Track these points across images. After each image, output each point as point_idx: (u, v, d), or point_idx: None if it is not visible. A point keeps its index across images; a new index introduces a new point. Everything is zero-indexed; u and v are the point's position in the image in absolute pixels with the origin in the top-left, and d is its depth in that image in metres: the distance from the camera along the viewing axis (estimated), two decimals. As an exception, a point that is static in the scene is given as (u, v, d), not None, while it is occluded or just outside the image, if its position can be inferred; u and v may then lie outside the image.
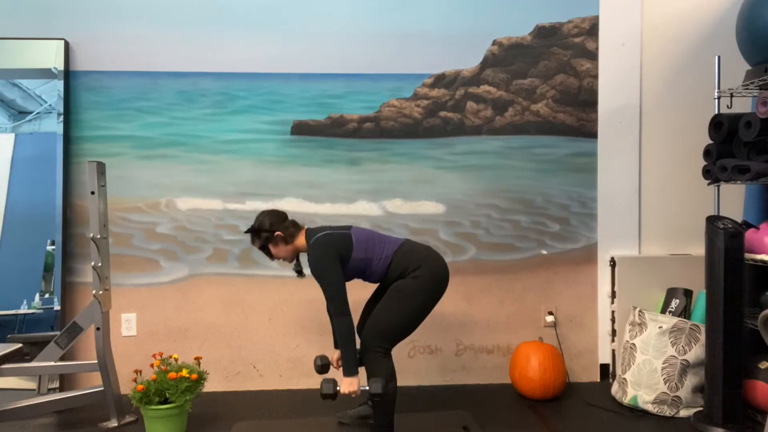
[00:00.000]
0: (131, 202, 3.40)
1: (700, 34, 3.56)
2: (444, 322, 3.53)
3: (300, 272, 2.80)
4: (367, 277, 2.66)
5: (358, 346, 2.57)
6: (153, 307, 3.42)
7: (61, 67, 3.31)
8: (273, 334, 3.47)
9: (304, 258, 2.71)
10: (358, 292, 2.86)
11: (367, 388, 2.45)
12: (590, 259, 3.56)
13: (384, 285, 2.74)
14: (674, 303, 3.16)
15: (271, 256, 2.71)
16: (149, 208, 3.42)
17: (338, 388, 2.46)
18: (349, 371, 2.47)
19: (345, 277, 2.58)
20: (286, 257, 2.70)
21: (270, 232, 2.63)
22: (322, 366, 2.74)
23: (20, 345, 2.95)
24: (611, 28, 3.53)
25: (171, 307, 3.42)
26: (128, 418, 2.94)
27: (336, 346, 2.86)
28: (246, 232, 2.70)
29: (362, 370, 2.55)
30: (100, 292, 2.88)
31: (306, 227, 2.70)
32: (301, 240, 2.66)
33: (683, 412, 2.97)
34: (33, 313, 3.26)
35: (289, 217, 2.72)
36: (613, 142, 3.55)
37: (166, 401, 2.69)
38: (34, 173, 3.33)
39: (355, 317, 2.92)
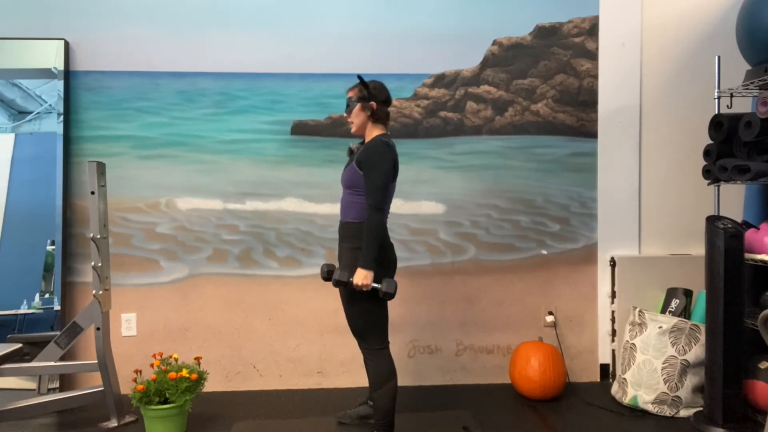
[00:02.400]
0: (131, 202, 3.40)
1: (700, 34, 3.56)
2: (444, 322, 3.53)
3: (353, 151, 2.73)
4: (351, 208, 2.59)
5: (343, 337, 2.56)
6: (153, 307, 3.42)
7: (61, 67, 3.31)
8: (273, 334, 3.47)
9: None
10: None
11: (380, 286, 2.43)
12: (590, 259, 3.56)
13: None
14: (674, 303, 3.16)
15: (349, 111, 2.65)
16: (149, 208, 3.42)
17: (352, 278, 2.45)
18: (366, 264, 2.43)
19: (353, 183, 2.55)
20: (356, 125, 2.64)
21: (370, 95, 2.60)
22: (329, 272, 2.69)
23: (20, 345, 2.95)
24: (611, 28, 3.53)
25: (171, 307, 3.42)
26: (128, 418, 2.94)
27: None
28: (358, 76, 2.64)
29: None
30: (100, 292, 2.89)
31: (387, 130, 2.67)
32: (374, 131, 2.62)
33: (683, 412, 2.97)
34: (33, 313, 3.26)
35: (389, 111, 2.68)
36: (613, 142, 3.55)
37: (166, 401, 2.69)
38: (34, 173, 3.33)
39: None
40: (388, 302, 2.67)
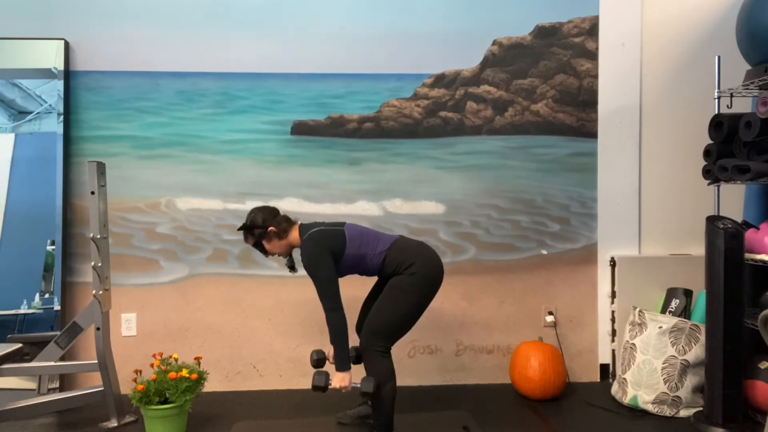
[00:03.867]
0: (131, 202, 3.40)
1: (700, 34, 3.56)
2: (444, 322, 3.53)
3: (292, 267, 2.78)
4: (362, 272, 2.67)
5: (352, 343, 2.58)
6: (153, 307, 3.42)
7: (61, 67, 3.31)
8: (273, 334, 3.47)
9: (296, 254, 2.72)
10: (357, 290, 2.86)
11: (359, 385, 2.45)
12: (590, 259, 3.56)
13: (381, 281, 2.74)
14: (674, 303, 3.16)
15: (266, 253, 2.71)
16: (149, 208, 3.42)
17: (330, 381, 2.48)
18: (341, 366, 2.49)
19: (340, 272, 2.60)
20: (281, 252, 2.70)
21: (263, 228, 2.64)
22: (318, 360, 2.76)
23: (20, 345, 2.95)
24: (611, 28, 3.53)
25: (171, 307, 3.42)
26: (128, 418, 2.94)
27: (332, 342, 2.86)
28: (239, 229, 2.70)
29: (360, 368, 2.55)
30: (100, 292, 2.88)
31: (299, 222, 2.71)
32: (294, 235, 2.66)
33: (683, 412, 2.97)
34: (33, 313, 3.26)
35: (281, 213, 2.72)
36: (613, 142, 3.55)
37: (166, 401, 2.69)
38: (34, 173, 3.33)
39: (353, 314, 2.93)
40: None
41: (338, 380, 2.48)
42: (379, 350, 2.53)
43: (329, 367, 2.76)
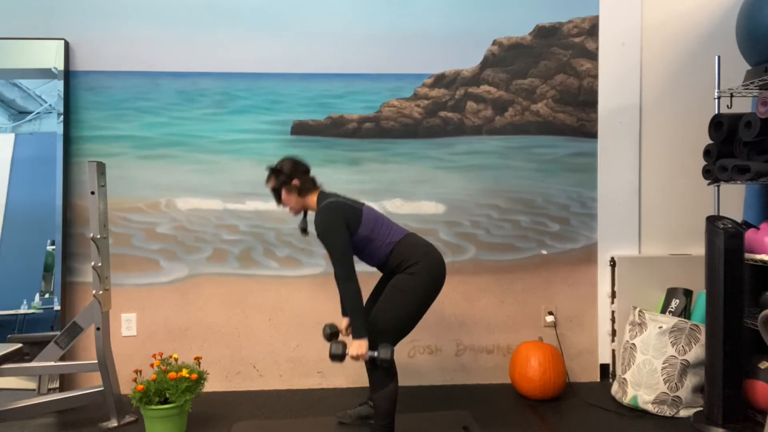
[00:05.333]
0: (131, 202, 3.40)
1: (700, 34, 3.56)
2: (444, 322, 3.53)
3: (304, 230, 2.76)
4: (365, 257, 2.64)
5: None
6: (153, 307, 3.42)
7: (61, 67, 3.31)
8: (273, 334, 3.47)
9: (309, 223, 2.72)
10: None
11: (376, 354, 2.43)
12: (590, 259, 3.56)
13: (382, 280, 2.74)
14: (674, 303, 3.16)
15: (279, 201, 2.69)
16: (149, 208, 3.42)
17: (347, 351, 2.46)
18: (358, 334, 2.45)
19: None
20: (293, 208, 2.68)
21: (288, 177, 2.62)
22: (331, 334, 2.76)
23: (20, 345, 2.95)
24: (611, 28, 3.53)
25: (171, 307, 3.42)
26: (128, 418, 2.94)
27: (344, 314, 2.86)
28: (267, 168, 2.67)
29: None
30: (100, 292, 2.88)
31: (321, 189, 2.68)
32: (312, 199, 2.64)
33: (683, 412, 2.97)
34: (33, 313, 3.26)
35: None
36: (613, 142, 3.55)
37: (166, 401, 2.69)
38: (34, 173, 3.33)
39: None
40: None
41: (355, 348, 2.44)
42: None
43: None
